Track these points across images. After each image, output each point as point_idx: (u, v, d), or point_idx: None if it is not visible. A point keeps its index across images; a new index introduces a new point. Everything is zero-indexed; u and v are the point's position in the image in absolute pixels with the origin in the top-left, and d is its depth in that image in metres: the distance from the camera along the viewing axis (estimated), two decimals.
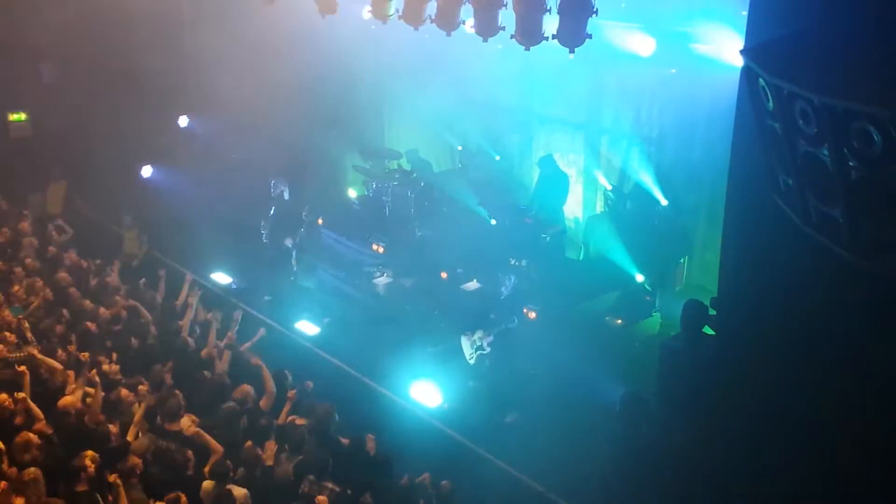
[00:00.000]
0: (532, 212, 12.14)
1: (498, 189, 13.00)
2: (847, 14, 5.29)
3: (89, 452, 6.36)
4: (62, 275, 9.89)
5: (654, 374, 8.18)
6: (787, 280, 6.62)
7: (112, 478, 6.11)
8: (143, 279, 10.09)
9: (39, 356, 7.65)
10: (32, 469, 6.08)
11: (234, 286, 11.91)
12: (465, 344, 9.37)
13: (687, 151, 10.77)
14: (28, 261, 10.37)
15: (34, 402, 6.99)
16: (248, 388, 7.66)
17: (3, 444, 6.41)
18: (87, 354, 7.55)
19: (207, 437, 6.87)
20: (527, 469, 8.36)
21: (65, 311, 8.95)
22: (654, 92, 11.39)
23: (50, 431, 6.71)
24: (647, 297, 10.97)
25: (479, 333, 9.24)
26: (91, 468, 6.22)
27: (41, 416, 6.91)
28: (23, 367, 7.30)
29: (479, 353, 9.23)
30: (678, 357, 7.86)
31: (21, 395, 6.97)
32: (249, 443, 6.82)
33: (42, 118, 14.76)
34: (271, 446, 6.85)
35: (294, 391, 7.67)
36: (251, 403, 7.52)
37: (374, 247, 12.96)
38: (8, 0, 13.49)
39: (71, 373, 7.62)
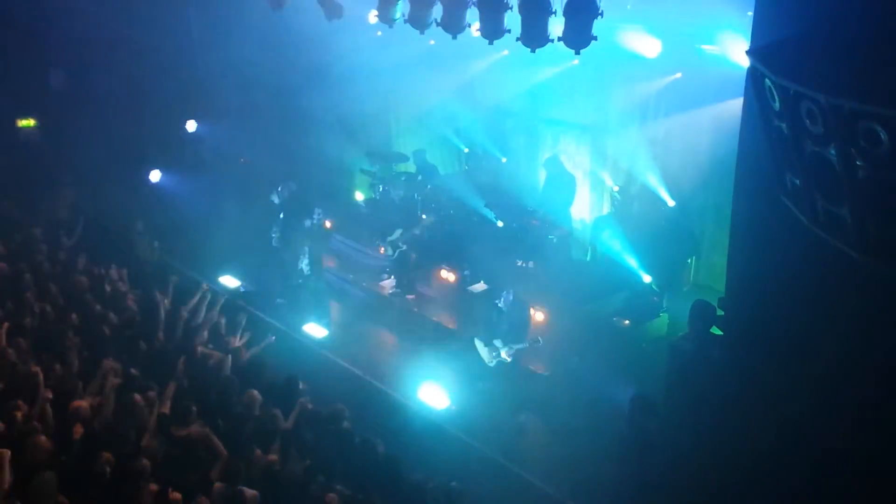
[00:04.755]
0: (539, 213, 12.14)
1: (504, 191, 13.00)
2: (853, 14, 5.29)
3: (104, 455, 6.40)
4: (74, 279, 9.93)
5: (661, 375, 8.18)
6: (794, 280, 6.63)
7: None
8: (156, 287, 10.10)
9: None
10: (46, 473, 6.13)
11: (242, 289, 11.96)
12: (481, 348, 9.33)
13: (693, 152, 10.76)
14: (39, 266, 10.40)
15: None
16: (254, 393, 7.69)
17: (16, 449, 6.47)
18: (108, 361, 7.61)
19: (215, 439, 6.91)
20: (534, 470, 8.38)
21: (75, 316, 8.98)
22: (660, 93, 11.39)
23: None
24: (655, 298, 10.95)
25: (498, 342, 9.21)
26: (106, 471, 6.27)
27: (52, 422, 6.96)
28: (36, 369, 7.34)
29: (497, 359, 9.20)
30: (686, 357, 7.87)
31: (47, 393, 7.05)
32: (258, 452, 6.86)
33: (51, 124, 14.83)
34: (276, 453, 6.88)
35: (305, 399, 7.68)
36: (258, 410, 7.54)
37: (382, 250, 12.99)
38: (16, 6, 13.55)
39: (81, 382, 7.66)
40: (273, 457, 6.82)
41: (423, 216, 12.58)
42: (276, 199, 12.30)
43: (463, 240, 12.07)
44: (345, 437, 7.30)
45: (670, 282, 11.03)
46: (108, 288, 10.07)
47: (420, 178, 13.53)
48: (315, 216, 11.92)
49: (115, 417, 7.09)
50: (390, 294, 12.12)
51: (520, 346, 9.15)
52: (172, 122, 15.09)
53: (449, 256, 12.11)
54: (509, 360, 9.12)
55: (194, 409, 7.29)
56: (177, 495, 6.11)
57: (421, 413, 9.00)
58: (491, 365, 9.26)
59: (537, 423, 9.31)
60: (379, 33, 13.16)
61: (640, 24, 10.31)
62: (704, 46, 9.84)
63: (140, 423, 7.13)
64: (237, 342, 8.76)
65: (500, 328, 9.24)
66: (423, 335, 11.10)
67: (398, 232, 12.18)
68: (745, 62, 6.09)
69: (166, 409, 7.36)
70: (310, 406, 7.68)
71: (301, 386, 8.05)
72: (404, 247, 11.85)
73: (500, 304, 9.20)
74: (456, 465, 7.85)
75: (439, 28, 8.26)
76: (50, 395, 7.13)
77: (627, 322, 10.64)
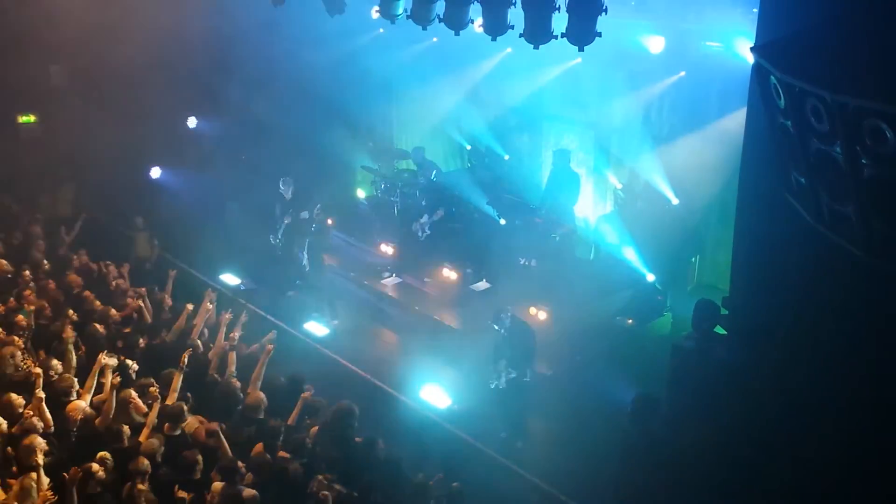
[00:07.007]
0: (542, 211, 12.11)
1: (507, 188, 12.98)
2: (858, 10, 5.28)
3: (102, 454, 6.37)
4: (72, 277, 9.90)
5: (665, 375, 8.16)
6: (799, 279, 6.60)
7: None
8: (155, 284, 10.06)
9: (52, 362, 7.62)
10: (31, 475, 6.06)
11: (242, 287, 11.94)
12: (491, 370, 9.15)
13: (697, 150, 10.72)
14: (38, 263, 10.38)
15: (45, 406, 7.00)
16: (260, 394, 7.64)
17: (12, 448, 6.44)
18: (102, 357, 7.55)
19: (223, 440, 6.85)
20: (536, 470, 8.34)
21: (74, 314, 8.94)
22: (665, 90, 11.36)
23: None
24: (659, 297, 10.94)
25: (502, 364, 9.00)
26: (102, 470, 6.24)
27: (50, 422, 6.90)
28: (38, 370, 7.30)
29: (496, 383, 9.00)
30: (690, 357, 7.84)
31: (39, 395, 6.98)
32: (260, 446, 6.81)
33: (52, 120, 14.82)
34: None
35: (309, 393, 7.63)
36: (262, 413, 7.48)
37: (383, 247, 12.98)
38: (18, 2, 13.53)
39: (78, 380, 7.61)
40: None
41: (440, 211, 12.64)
42: (292, 195, 12.28)
43: (465, 237, 12.05)
44: (346, 435, 7.25)
45: (674, 281, 11.02)
46: (108, 285, 10.04)
47: (421, 176, 13.51)
48: (314, 211, 11.89)
49: (116, 415, 7.05)
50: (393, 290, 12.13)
51: (514, 374, 8.85)
52: (173, 118, 15.07)
53: (451, 254, 12.08)
54: (504, 385, 8.89)
55: (190, 405, 7.26)
56: (184, 494, 6.08)
57: (422, 412, 8.96)
58: (491, 387, 9.07)
59: (540, 422, 9.27)
60: (381, 30, 13.18)
61: (644, 20, 10.28)
62: (709, 43, 9.80)
63: (138, 420, 7.10)
64: (235, 337, 8.69)
65: (504, 352, 8.99)
66: (425, 333, 11.07)
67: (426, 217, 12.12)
68: (750, 59, 6.05)
69: (168, 405, 7.33)
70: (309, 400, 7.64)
71: (306, 385, 7.99)
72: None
73: (498, 328, 8.81)
74: (458, 465, 7.81)
75: (442, 24, 8.21)
76: (42, 395, 7.05)
77: (631, 321, 10.63)
